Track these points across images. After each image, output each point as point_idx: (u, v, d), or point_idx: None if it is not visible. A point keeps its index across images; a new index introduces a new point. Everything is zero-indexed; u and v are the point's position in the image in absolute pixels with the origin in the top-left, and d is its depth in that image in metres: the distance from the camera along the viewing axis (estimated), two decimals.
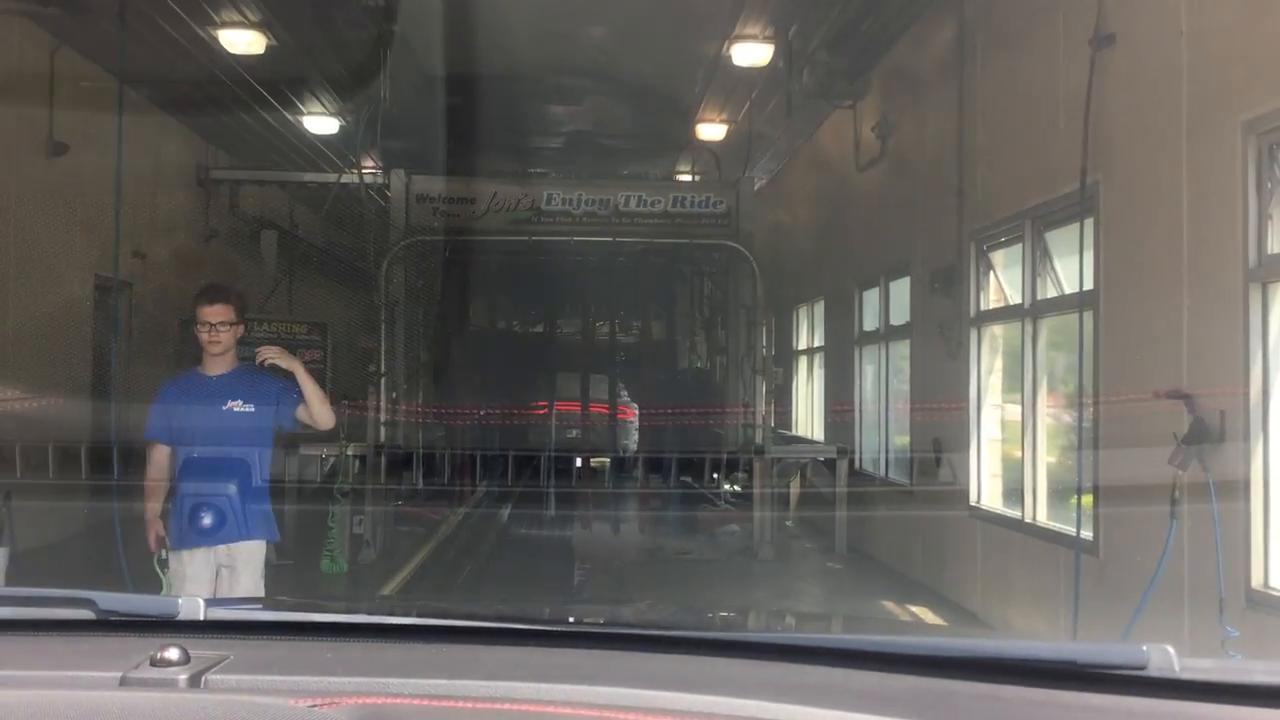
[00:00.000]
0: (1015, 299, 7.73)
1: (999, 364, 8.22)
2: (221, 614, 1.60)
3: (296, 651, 1.49)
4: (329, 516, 9.86)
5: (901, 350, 10.14)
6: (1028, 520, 7.28)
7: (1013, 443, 7.89)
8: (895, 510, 10.03)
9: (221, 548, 4.73)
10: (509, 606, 1.94)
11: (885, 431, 10.62)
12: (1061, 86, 6.81)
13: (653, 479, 12.72)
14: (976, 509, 8.18)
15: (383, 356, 11.07)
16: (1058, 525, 6.98)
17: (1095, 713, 1.22)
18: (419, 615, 1.81)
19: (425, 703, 1.24)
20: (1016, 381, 7.75)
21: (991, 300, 8.22)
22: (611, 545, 11.61)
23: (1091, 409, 6.34)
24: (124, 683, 1.28)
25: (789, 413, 14.33)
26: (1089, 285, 6.41)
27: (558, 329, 16.25)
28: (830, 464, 10.94)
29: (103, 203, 11.01)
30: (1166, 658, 1.23)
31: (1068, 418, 7.21)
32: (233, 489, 4.69)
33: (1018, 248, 7.60)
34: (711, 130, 13.95)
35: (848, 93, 10.55)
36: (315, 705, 1.19)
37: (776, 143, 13.63)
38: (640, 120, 13.91)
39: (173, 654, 1.32)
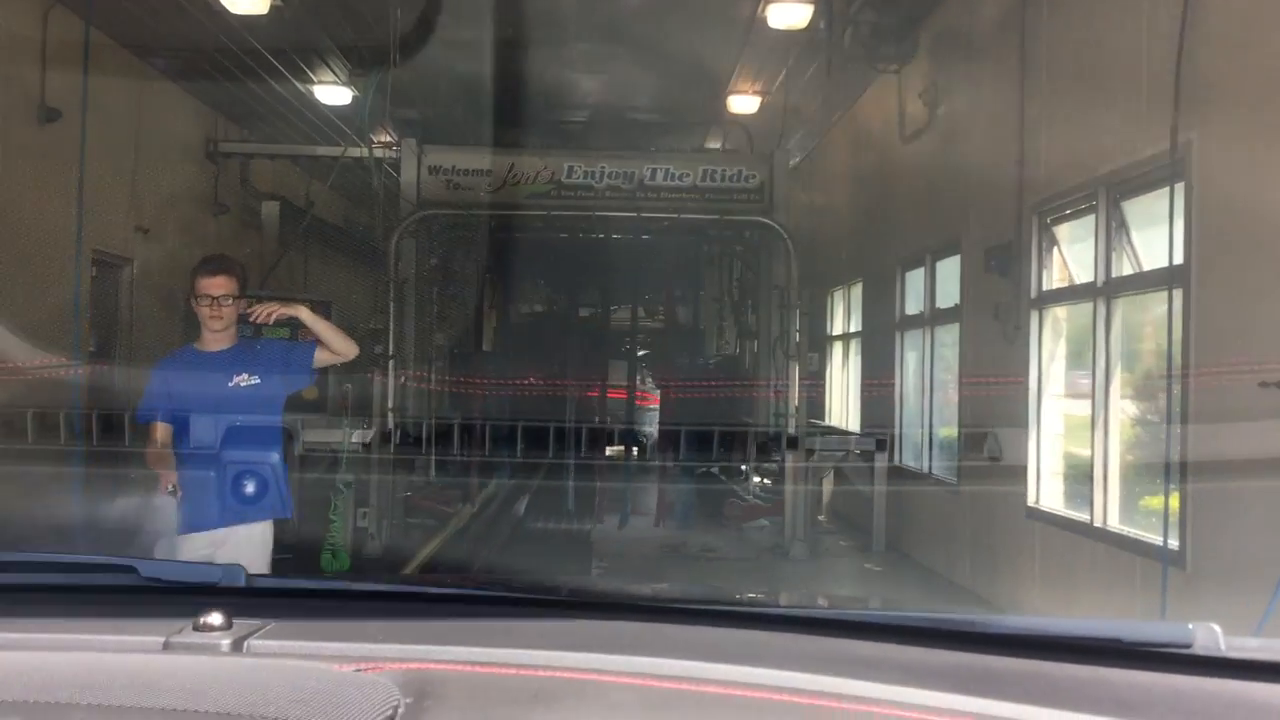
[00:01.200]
0: (1084, 277, 6.94)
1: (1062, 350, 7.44)
2: (262, 582, 1.61)
3: (337, 619, 1.49)
4: (330, 509, 9.21)
5: (949, 335, 9.35)
6: (1097, 525, 6.50)
7: (1078, 438, 7.11)
8: (940, 509, 9.26)
9: (241, 528, 4.43)
10: (550, 581, 1.98)
11: (929, 422, 9.84)
12: (1146, 34, 6.01)
13: (676, 469, 11.98)
14: (1035, 510, 7.41)
15: (391, 337, 10.37)
16: (1133, 531, 6.20)
17: (1141, 690, 1.20)
18: (459, 586, 1.80)
19: (469, 669, 1.24)
20: (1084, 369, 6.97)
21: (1055, 279, 7.43)
22: (632, 540, 10.91)
23: (1179, 400, 5.55)
24: (167, 646, 1.30)
25: (822, 402, 13.56)
26: (1178, 259, 5.62)
27: (577, 311, 15.51)
28: (868, 457, 10.17)
29: (100, 173, 10.48)
30: (1212, 636, 1.22)
31: (1147, 411, 6.41)
32: (250, 468, 4.44)
33: (1088, 220, 6.81)
34: (744, 103, 13.16)
35: (893, 55, 9.75)
36: (359, 669, 1.21)
37: (813, 116, 12.82)
38: (668, 91, 13.15)
39: (215, 619, 1.33)
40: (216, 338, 4.54)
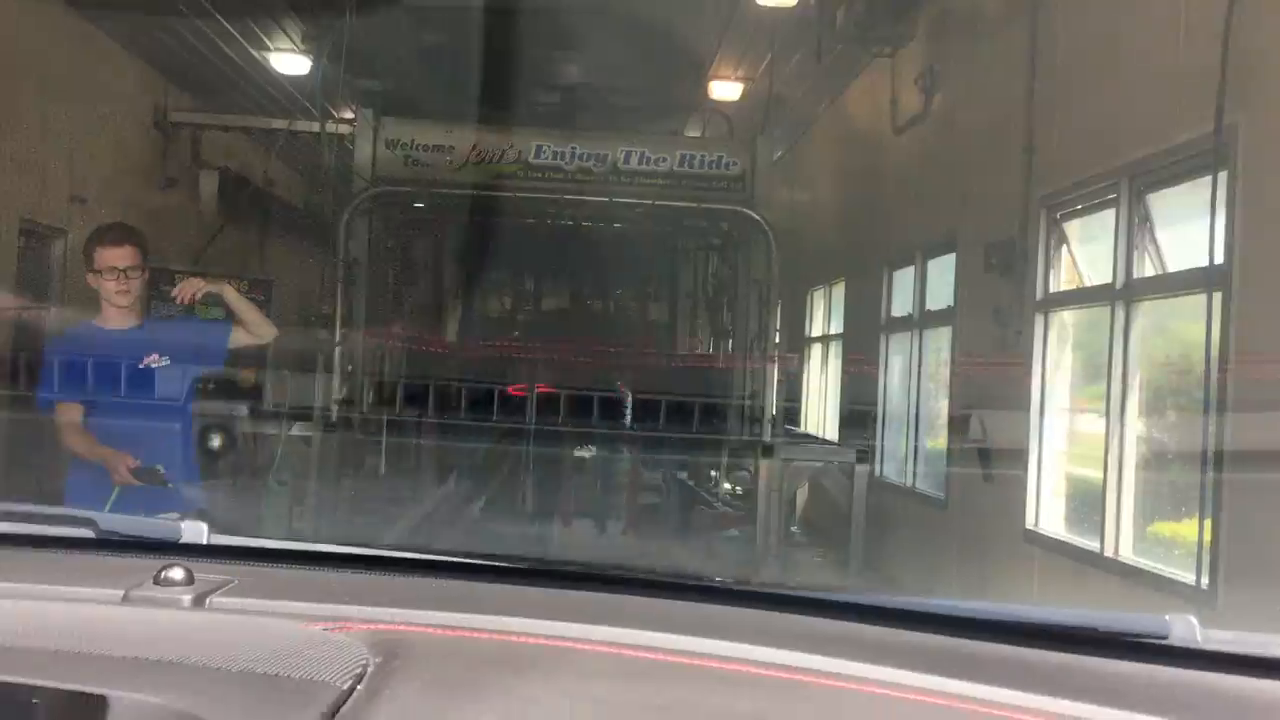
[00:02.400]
0: (1098, 278, 6.27)
1: (1069, 358, 6.77)
2: (225, 540, 1.56)
3: (302, 578, 1.46)
4: (263, 506, 8.44)
5: (940, 339, 8.68)
6: (1108, 554, 5.82)
7: (1086, 456, 6.45)
8: (925, 527, 8.59)
9: None
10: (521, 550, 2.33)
11: (915, 433, 9.16)
12: (1181, 5, 5.35)
13: (643, 474, 11.24)
14: (1034, 534, 6.73)
15: (338, 323, 9.59)
16: (1151, 564, 5.52)
17: (1117, 678, 1.20)
18: (429, 552, 1.71)
19: (440, 632, 1.22)
20: (1095, 380, 6.31)
21: (1064, 280, 6.76)
22: (594, 549, 10.18)
23: (1216, 416, 4.87)
24: (127, 599, 1.28)
25: (798, 408, 12.85)
26: (1217, 258, 4.94)
27: (540, 302, 14.72)
28: (846, 469, 9.46)
29: (29, 136, 9.68)
30: (1189, 628, 1.23)
31: (1171, 427, 5.73)
32: (165, 463, 4.01)
33: (1106, 215, 6.14)
34: (726, 89, 12.46)
35: (889, 37, 9.07)
36: (326, 629, 1.18)
37: (799, 104, 12.14)
38: (646, 74, 12.42)
39: (176, 574, 1.30)
40: (122, 314, 4.17)
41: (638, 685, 1.14)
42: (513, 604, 1.34)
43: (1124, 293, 5.85)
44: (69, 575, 1.37)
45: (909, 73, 9.19)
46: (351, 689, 1.04)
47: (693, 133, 13.83)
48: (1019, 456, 6.88)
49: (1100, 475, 5.99)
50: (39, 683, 1.01)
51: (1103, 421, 6.06)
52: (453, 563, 1.56)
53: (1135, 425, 5.81)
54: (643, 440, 11.24)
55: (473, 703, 1.04)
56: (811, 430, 12.59)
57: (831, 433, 11.89)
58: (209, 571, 1.36)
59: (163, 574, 1.30)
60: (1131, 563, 5.65)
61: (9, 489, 8.30)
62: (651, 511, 11.06)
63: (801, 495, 11.26)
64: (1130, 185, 5.84)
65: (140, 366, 4.14)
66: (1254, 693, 1.18)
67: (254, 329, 4.32)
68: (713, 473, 13.08)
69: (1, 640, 1.10)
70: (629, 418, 12.15)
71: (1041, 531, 6.69)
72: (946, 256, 8.51)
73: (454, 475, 11.50)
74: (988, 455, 7.27)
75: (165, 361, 4.17)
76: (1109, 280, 6.01)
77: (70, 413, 4.08)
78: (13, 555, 1.50)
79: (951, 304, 8.32)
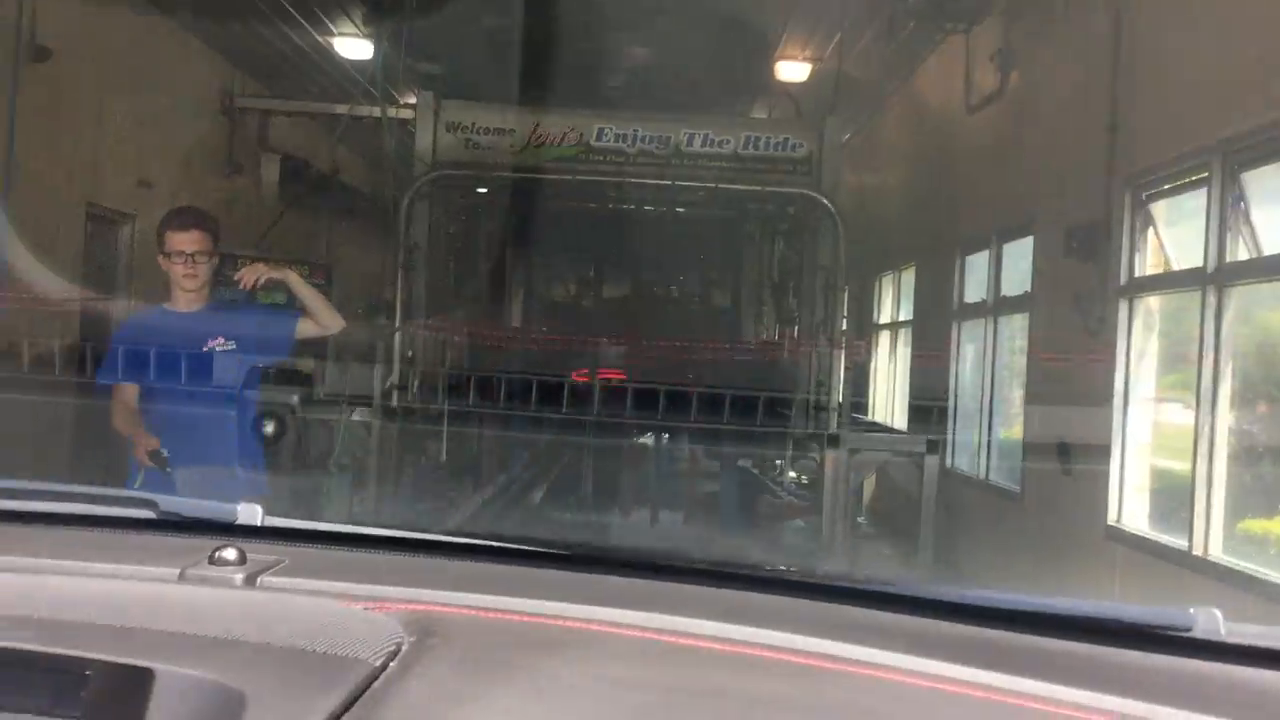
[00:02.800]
0: (1188, 261, 5.94)
1: (1155, 346, 6.43)
2: (278, 521, 1.61)
3: (349, 560, 1.52)
4: (322, 496, 8.36)
5: (1016, 326, 8.36)
6: (1196, 553, 5.50)
7: (1172, 449, 6.13)
8: (999, 521, 8.28)
9: None
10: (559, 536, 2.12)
11: (988, 424, 8.84)
12: None
13: (704, 463, 11.02)
14: (1116, 530, 6.42)
15: (398, 308, 9.49)
16: (1243, 564, 5.20)
17: (1142, 671, 1.21)
18: (474, 536, 1.76)
19: (475, 613, 1.25)
20: (1182, 368, 5.98)
21: (1150, 264, 6.42)
22: (652, 539, 10.00)
23: None
24: (183, 578, 1.33)
25: (865, 396, 12.54)
26: None
27: (600, 288, 14.52)
28: (916, 459, 9.17)
29: (97, 122, 9.71)
30: (1213, 620, 1.23)
31: (1264, 420, 5.40)
32: (219, 447, 4.10)
33: (1197, 195, 5.80)
34: (793, 70, 12.14)
35: (964, 13, 8.73)
36: (366, 608, 1.21)
37: (868, 85, 11.80)
38: (710, 55, 12.15)
39: (230, 554, 1.36)
40: (189, 298, 4.20)
41: (666, 668, 1.16)
42: (545, 587, 1.36)
43: (1216, 277, 5.52)
44: (129, 554, 1.42)
45: (984, 50, 8.85)
46: (385, 665, 1.07)
47: (758, 115, 13.55)
48: (1100, 449, 6.56)
49: (1188, 469, 5.67)
50: (92, 655, 1.06)
51: (1190, 413, 5.74)
52: (489, 546, 1.60)
53: (1226, 416, 5.48)
54: (705, 429, 11.05)
55: (502, 681, 1.06)
56: (879, 419, 12.29)
57: (900, 422, 11.58)
58: (261, 552, 1.40)
59: (217, 554, 1.35)
60: (1222, 562, 5.33)
61: (78, 472, 8.35)
62: (713, 501, 10.84)
63: (869, 486, 10.98)
64: (1224, 163, 5.50)
65: (204, 350, 4.14)
66: (1276, 685, 1.18)
67: (321, 319, 4.27)
68: (778, 461, 12.85)
69: (61, 615, 1.16)
70: (693, 406, 11.97)
71: (1124, 528, 6.38)
72: (1023, 240, 8.18)
73: (515, 463, 11.38)
74: (1067, 447, 6.96)
75: (230, 346, 4.17)
76: (1199, 264, 5.67)
77: (123, 392, 4.12)
78: (77, 534, 1.55)
79: (1028, 289, 7.99)
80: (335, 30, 11.69)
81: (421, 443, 10.91)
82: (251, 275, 4.29)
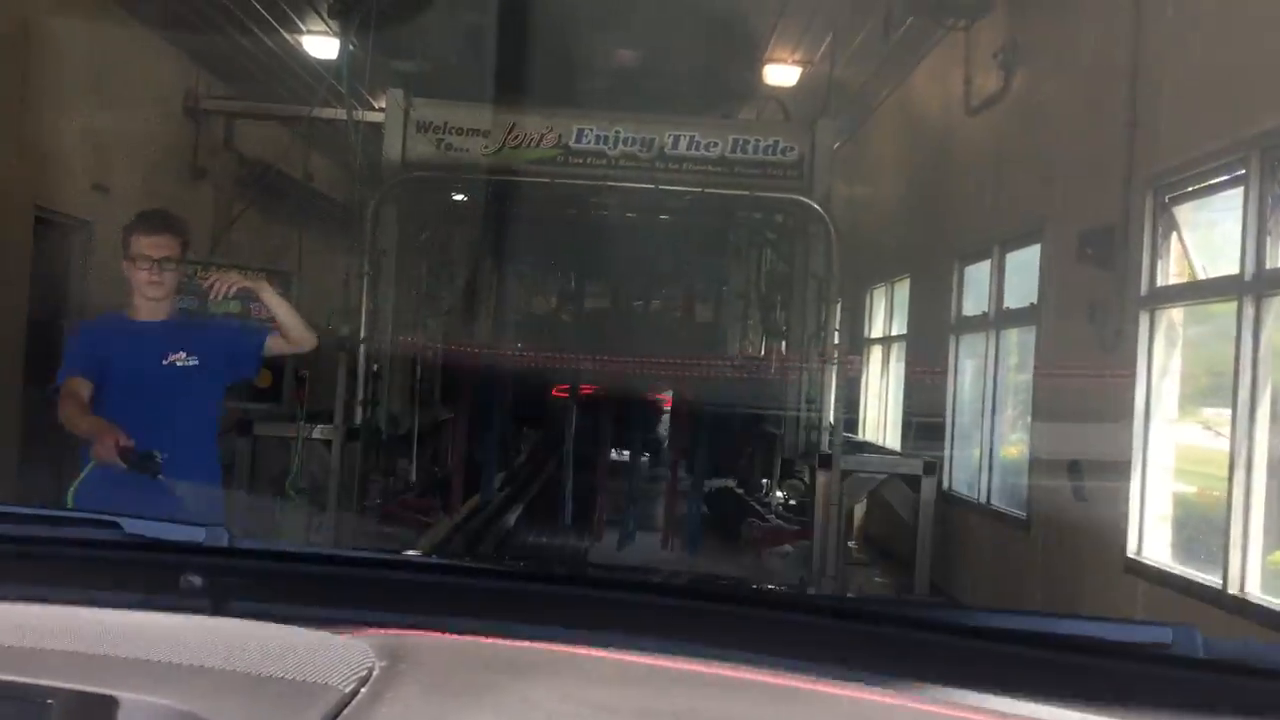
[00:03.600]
0: (1220, 269, 5.43)
1: (1178, 361, 5.92)
2: (246, 544, 1.57)
3: (317, 583, 1.49)
4: (279, 521, 7.77)
5: (1020, 341, 7.85)
6: (1232, 590, 4.97)
7: (1202, 474, 5.60)
8: (1001, 549, 7.75)
9: None
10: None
11: (989, 444, 8.31)
12: None
13: (688, 481, 10.45)
14: (1136, 563, 5.88)
15: (364, 318, 8.91)
16: None
17: (1121, 686, 1.18)
18: (446, 558, 1.86)
19: (445, 636, 1.25)
20: (1211, 386, 5.46)
21: (1174, 273, 5.91)
22: (635, 562, 9.43)
23: None
24: (147, 604, 1.32)
25: (855, 414, 12.02)
26: None
27: (578, 298, 13.95)
28: (912, 481, 8.63)
29: (44, 118, 9.13)
30: (1191, 638, 1.24)
31: None
32: (174, 468, 3.65)
33: (1230, 195, 5.30)
34: (782, 73, 11.69)
35: (966, 7, 8.23)
36: (335, 633, 1.21)
37: (860, 89, 11.33)
38: (697, 58, 11.67)
39: (195, 577, 1.35)
40: (152, 307, 3.94)
41: (640, 691, 1.16)
42: (522, 610, 1.36)
43: (1255, 285, 5.00)
44: (93, 579, 1.41)
45: (986, 47, 8.37)
46: (355, 691, 1.06)
47: (747, 118, 13.02)
48: (1118, 472, 6.04)
49: (1219, 496, 5.15)
50: (54, 684, 1.06)
51: (1219, 434, 5.23)
52: (460, 567, 1.61)
53: (1266, 438, 4.95)
54: (689, 447, 10.51)
55: (474, 706, 1.07)
56: (870, 438, 11.76)
57: (892, 440, 11.06)
58: (230, 575, 1.40)
59: (184, 578, 1.34)
60: (1265, 603, 4.79)
61: (28, 487, 7.76)
62: (694, 523, 10.27)
63: (859, 508, 10.45)
64: (1261, 159, 4.99)
65: (164, 363, 3.88)
66: (1253, 698, 1.18)
67: (292, 335, 4.02)
68: (764, 480, 12.29)
69: (23, 643, 1.15)
70: (674, 423, 11.46)
71: (1145, 560, 5.85)
72: (1028, 249, 7.68)
73: (488, 483, 10.79)
74: (1080, 470, 6.43)
75: (193, 361, 3.91)
76: (1235, 271, 5.16)
77: (74, 386, 3.78)
78: (38, 558, 1.52)
79: (1035, 301, 7.48)
80: (304, 28, 11.19)
81: (389, 462, 10.35)
82: (223, 284, 4.07)
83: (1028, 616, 1.38)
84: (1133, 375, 5.94)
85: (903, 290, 11.07)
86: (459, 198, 10.91)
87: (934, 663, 1.19)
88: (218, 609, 1.29)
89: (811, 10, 10.05)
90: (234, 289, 4.16)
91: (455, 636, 1.23)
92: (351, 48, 9.92)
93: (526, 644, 1.21)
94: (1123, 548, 5.95)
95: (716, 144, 9.38)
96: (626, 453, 11.41)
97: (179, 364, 3.92)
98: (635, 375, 10.09)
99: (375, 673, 1.08)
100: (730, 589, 1.53)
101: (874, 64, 10.58)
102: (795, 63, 11.47)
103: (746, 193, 9.42)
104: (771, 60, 11.53)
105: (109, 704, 1.02)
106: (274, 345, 4.09)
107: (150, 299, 3.93)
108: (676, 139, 9.39)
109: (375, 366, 9.05)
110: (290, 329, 4.03)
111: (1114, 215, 6.22)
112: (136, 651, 1.12)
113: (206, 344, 4.00)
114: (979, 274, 8.72)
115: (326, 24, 10.96)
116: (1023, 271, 7.84)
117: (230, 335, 4.29)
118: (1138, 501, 5.92)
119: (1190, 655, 1.23)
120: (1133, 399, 5.94)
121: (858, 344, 11.89)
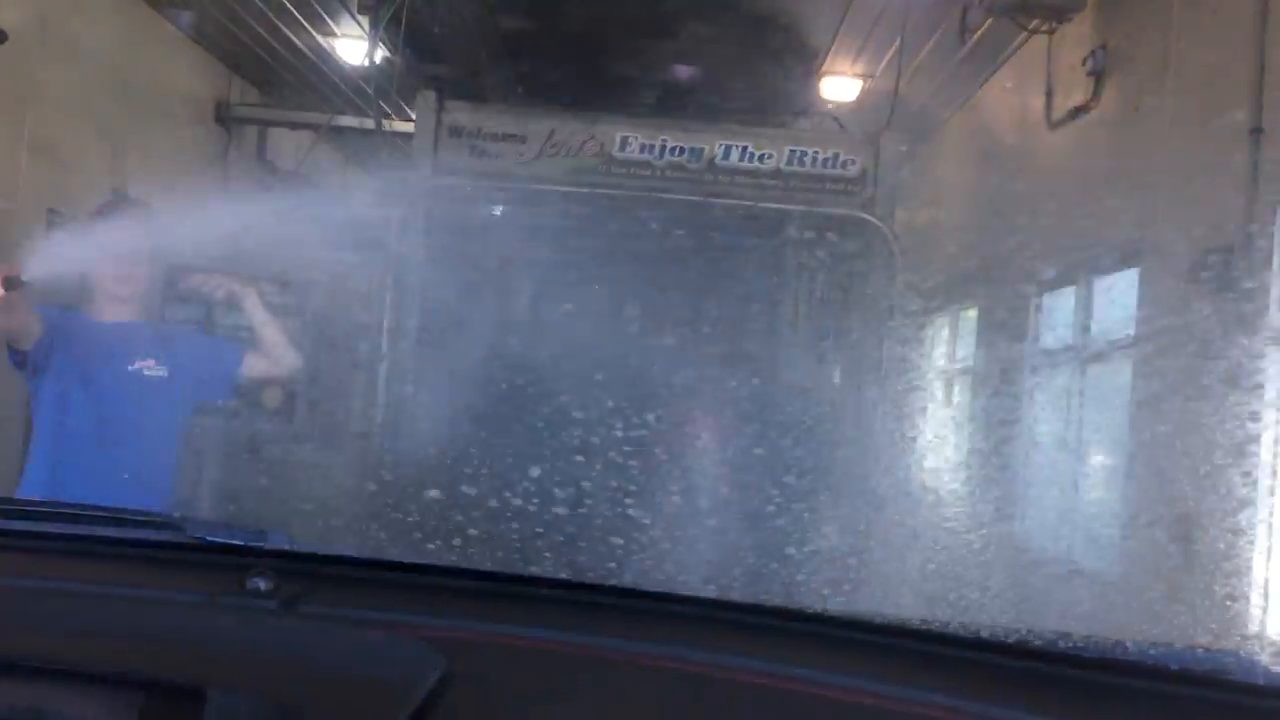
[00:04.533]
0: None
1: None
2: (306, 548, 1.62)
3: (379, 586, 1.52)
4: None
5: (1114, 376, 7.01)
6: None
7: None
8: (1089, 612, 6.89)
9: None
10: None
11: (1074, 494, 7.46)
12: None
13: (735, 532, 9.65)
14: (1263, 638, 5.02)
15: (385, 333, 8.26)
16: None
17: (1185, 706, 1.21)
18: (502, 565, 1.90)
19: (504, 640, 1.28)
20: None
21: None
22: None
23: None
24: (212, 604, 1.32)
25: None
26: None
27: (622, 320, 13.23)
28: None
29: (59, 117, 8.65)
30: (1253, 666, 1.30)
31: None
32: (130, 487, 3.33)
33: None
34: (841, 87, 11.00)
35: (1051, 9, 7.45)
36: (401, 634, 1.24)
37: (926, 104, 10.58)
38: (750, 71, 11.03)
39: (261, 580, 1.34)
40: (118, 307, 3.63)
41: (688, 700, 1.17)
42: (580, 619, 1.39)
43: None
44: (157, 579, 1.41)
45: (1074, 52, 7.59)
46: (436, 691, 1.09)
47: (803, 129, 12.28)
48: (1236, 530, 5.19)
49: None
50: (139, 673, 1.05)
51: None
52: (524, 576, 1.65)
53: None
54: (732, 489, 9.74)
55: (550, 707, 1.10)
56: (928, 483, 10.92)
57: (954, 486, 10.21)
58: (290, 577, 1.38)
59: (248, 579, 1.33)
60: None
61: None
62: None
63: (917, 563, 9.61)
64: None
65: (129, 369, 3.56)
66: None
67: (272, 353, 3.74)
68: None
69: (98, 637, 1.14)
70: (716, 460, 10.69)
71: (1273, 638, 4.98)
72: (1121, 274, 6.88)
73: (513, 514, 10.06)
74: (1190, 528, 5.58)
75: (161, 372, 3.60)
76: None
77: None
78: (100, 557, 1.51)
79: (1131, 332, 6.65)
80: (336, 27, 10.68)
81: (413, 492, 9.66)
82: (209, 285, 3.87)
83: (1092, 641, 1.37)
84: (1258, 415, 5.11)
85: (969, 319, 10.26)
86: (492, 206, 10.32)
87: (997, 685, 1.20)
88: (282, 609, 1.30)
89: (877, 13, 9.33)
90: (218, 291, 3.87)
91: (512, 640, 1.26)
92: (381, 52, 9.41)
93: (583, 651, 1.26)
94: (1245, 620, 5.10)
95: (770, 155, 8.67)
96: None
97: (146, 372, 3.60)
98: (668, 405, 9.36)
99: (451, 674, 1.11)
100: (779, 606, 1.54)
101: (942, 76, 9.83)
102: (856, 75, 10.77)
103: (803, 207, 8.67)
104: (830, 72, 10.85)
105: (197, 695, 1.02)
106: (254, 365, 3.79)
107: (117, 299, 3.62)
108: (728, 149, 8.69)
109: (396, 385, 8.39)
110: (270, 346, 3.74)
111: (1235, 234, 5.40)
112: (215, 649, 1.13)
113: (178, 356, 3.67)
114: (1064, 301, 7.91)
115: (359, 25, 10.46)
116: (1116, 299, 7.03)
117: (205, 351, 3.92)
118: (1262, 567, 5.08)
119: (1251, 682, 1.28)
120: (1258, 443, 5.11)
121: (920, 375, 11.08)
